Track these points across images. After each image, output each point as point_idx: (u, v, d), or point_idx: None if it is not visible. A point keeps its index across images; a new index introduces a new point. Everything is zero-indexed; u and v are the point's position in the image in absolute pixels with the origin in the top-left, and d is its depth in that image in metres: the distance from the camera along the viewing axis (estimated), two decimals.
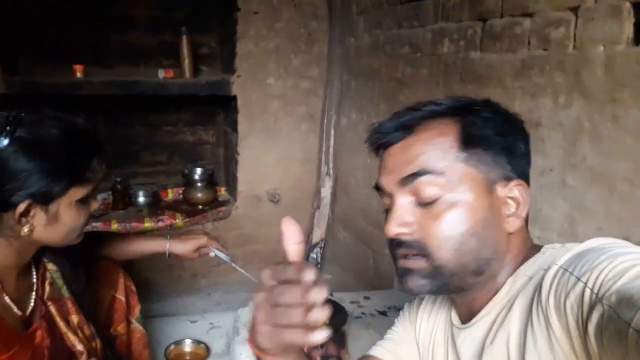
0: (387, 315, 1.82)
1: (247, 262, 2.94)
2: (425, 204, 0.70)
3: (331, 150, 2.90)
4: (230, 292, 2.75)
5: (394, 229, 0.71)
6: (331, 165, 2.91)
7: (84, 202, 1.10)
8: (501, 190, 0.72)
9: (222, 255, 1.53)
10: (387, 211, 0.76)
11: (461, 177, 0.70)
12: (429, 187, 0.70)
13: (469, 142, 0.71)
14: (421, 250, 0.70)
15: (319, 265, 2.94)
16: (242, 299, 2.55)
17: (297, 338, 0.53)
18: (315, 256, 2.99)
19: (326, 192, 2.95)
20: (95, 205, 1.15)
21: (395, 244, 0.73)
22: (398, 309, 1.87)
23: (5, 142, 0.97)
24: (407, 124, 0.74)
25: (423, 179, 0.70)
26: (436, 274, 0.70)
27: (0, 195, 0.98)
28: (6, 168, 0.97)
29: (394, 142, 0.75)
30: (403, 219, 0.72)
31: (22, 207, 0.99)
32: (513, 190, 0.72)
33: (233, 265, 1.54)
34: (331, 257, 3.01)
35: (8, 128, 0.97)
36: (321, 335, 0.52)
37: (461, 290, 0.73)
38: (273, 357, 0.61)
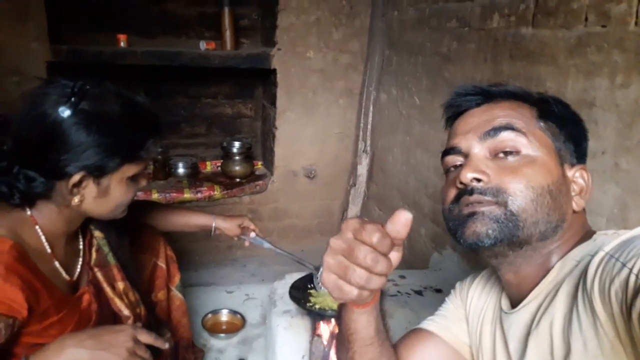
0: (423, 295, 1.81)
1: (281, 236, 2.97)
2: (503, 157, 0.73)
3: (369, 126, 2.86)
4: (264, 264, 2.79)
5: (470, 173, 0.72)
6: (368, 142, 2.88)
7: (134, 179, 1.13)
8: (568, 171, 0.76)
9: (259, 241, 1.59)
10: (447, 172, 0.81)
11: (540, 141, 0.74)
12: (510, 141, 0.73)
13: (546, 116, 0.76)
14: (496, 196, 0.71)
15: None
16: (276, 271, 2.58)
17: (355, 293, 0.58)
18: None
19: (362, 170, 2.93)
20: (143, 183, 1.18)
21: (468, 191, 0.73)
22: (434, 289, 1.87)
23: (68, 112, 0.98)
24: (490, 91, 0.79)
25: (505, 133, 0.74)
26: (508, 221, 0.70)
27: (56, 164, 1.00)
28: (65, 138, 0.99)
29: (474, 106, 0.80)
30: (479, 167, 0.73)
31: (75, 178, 1.02)
32: (579, 174, 0.76)
33: (272, 247, 1.57)
34: None
35: (72, 99, 0.99)
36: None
37: (522, 247, 0.72)
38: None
